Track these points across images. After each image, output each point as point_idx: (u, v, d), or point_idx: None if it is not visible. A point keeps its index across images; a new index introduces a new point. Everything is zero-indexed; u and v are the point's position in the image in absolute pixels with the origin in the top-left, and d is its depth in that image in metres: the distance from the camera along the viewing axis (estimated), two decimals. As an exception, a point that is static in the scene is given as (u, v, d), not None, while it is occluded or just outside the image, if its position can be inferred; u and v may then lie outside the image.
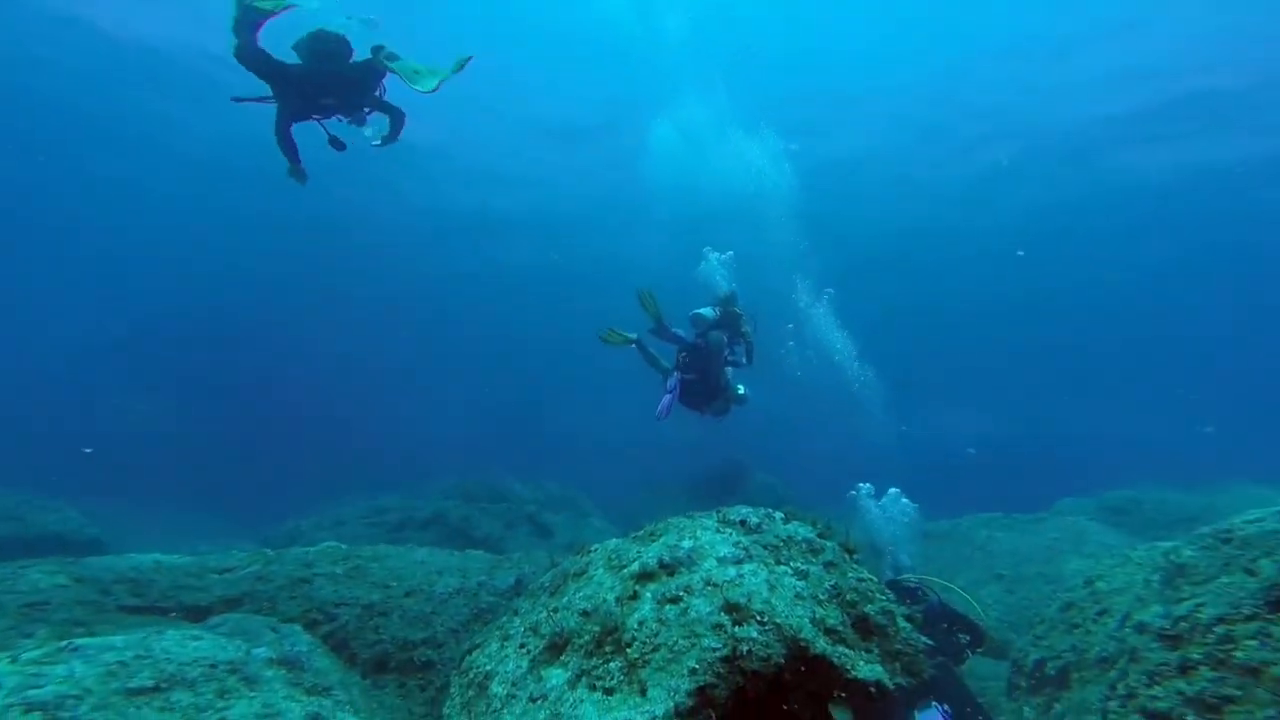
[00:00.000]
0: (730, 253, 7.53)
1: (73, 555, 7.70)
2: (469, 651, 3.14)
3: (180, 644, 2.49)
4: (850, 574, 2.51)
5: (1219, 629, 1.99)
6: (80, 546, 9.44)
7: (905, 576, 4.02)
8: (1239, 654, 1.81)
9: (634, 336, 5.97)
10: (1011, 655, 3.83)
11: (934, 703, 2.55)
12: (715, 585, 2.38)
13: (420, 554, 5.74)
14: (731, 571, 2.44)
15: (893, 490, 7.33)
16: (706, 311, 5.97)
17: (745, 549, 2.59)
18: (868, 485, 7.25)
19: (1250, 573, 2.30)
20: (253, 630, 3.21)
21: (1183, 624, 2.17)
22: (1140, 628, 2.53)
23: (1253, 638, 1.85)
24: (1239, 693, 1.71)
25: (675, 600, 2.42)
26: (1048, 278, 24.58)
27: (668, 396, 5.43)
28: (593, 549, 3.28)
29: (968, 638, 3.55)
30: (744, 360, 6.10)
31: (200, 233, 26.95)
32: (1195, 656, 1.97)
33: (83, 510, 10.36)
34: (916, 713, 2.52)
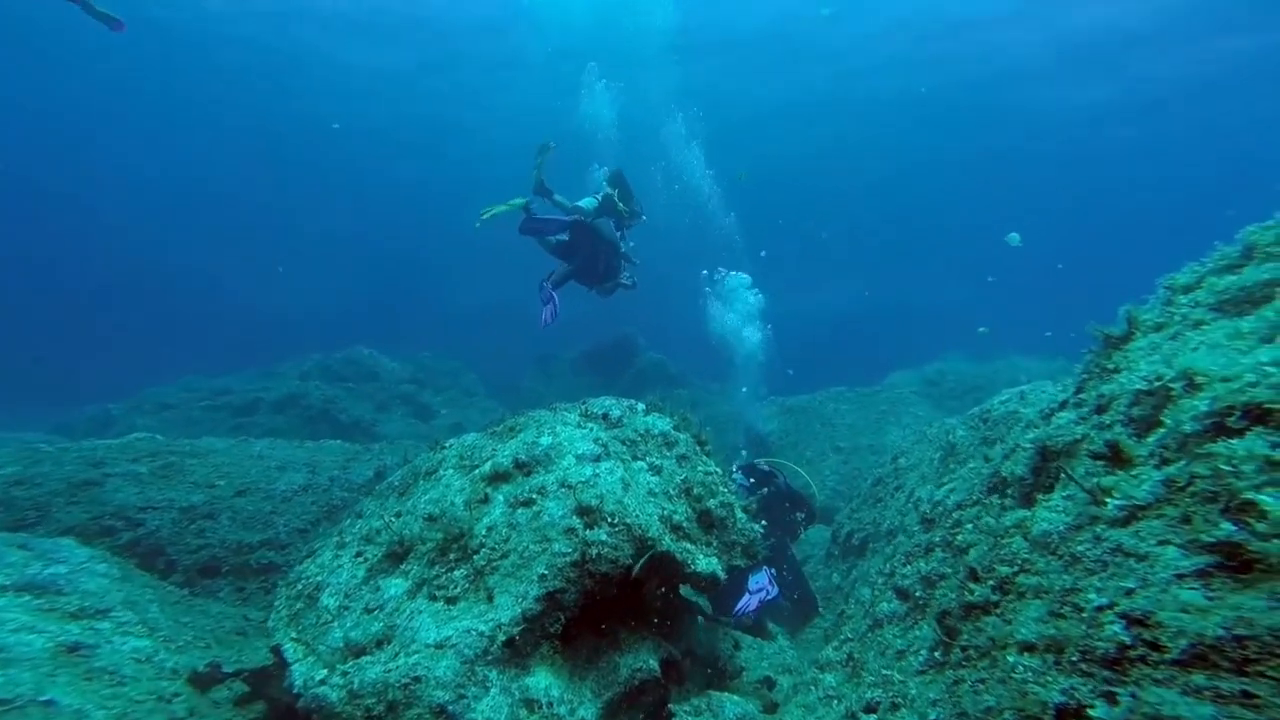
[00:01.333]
0: (619, 84, 6.45)
1: None
2: (302, 560, 2.82)
3: None
4: (700, 467, 2.53)
5: (956, 514, 2.12)
6: None
7: (759, 460, 4.41)
8: (960, 537, 1.91)
9: (522, 201, 4.97)
10: (832, 526, 4.48)
11: (765, 567, 2.90)
12: (569, 486, 2.23)
13: (258, 447, 5.04)
14: (588, 470, 2.30)
15: (733, 273, 7.84)
16: (587, 202, 5.15)
17: (604, 445, 2.45)
18: (719, 273, 7.62)
19: (986, 459, 2.58)
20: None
21: (938, 509, 2.42)
22: (916, 506, 2.89)
23: (970, 521, 1.94)
24: (949, 570, 1.82)
25: (528, 503, 2.26)
26: (897, 166, 26.21)
27: (549, 307, 4.80)
28: (448, 445, 2.96)
29: (803, 515, 4.09)
30: (636, 260, 5.55)
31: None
32: (935, 539, 2.12)
33: None
34: (750, 575, 2.86)
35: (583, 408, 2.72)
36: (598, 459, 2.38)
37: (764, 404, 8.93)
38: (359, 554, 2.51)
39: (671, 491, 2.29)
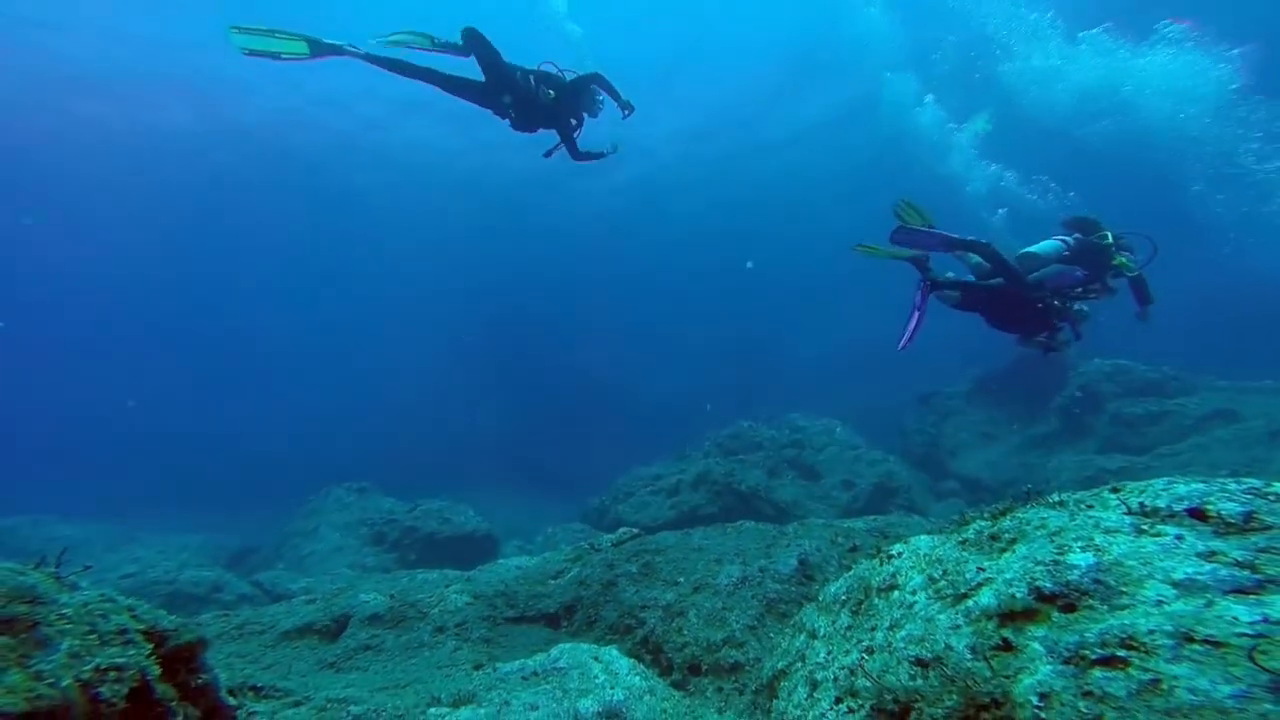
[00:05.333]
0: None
1: (477, 551, 9.99)
2: (771, 684, 2.63)
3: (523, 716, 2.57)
4: None
5: None
6: (479, 541, 12.46)
7: None
8: None
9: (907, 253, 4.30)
10: None
11: None
12: (1215, 644, 1.20)
13: (696, 539, 5.66)
14: (1237, 614, 1.21)
15: None
16: (1044, 246, 4.18)
17: (1244, 565, 1.29)
18: None
19: None
20: (584, 669, 3.22)
21: None
22: None
23: None
24: None
25: (1108, 663, 1.34)
26: None
27: (915, 320, 3.87)
28: (894, 552, 2.35)
29: None
30: (1141, 304, 4.09)
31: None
32: None
33: (476, 509, 13.39)
34: None
35: (1127, 501, 1.63)
36: (1236, 590, 1.25)
37: None
38: (839, 700, 2.09)
39: None
